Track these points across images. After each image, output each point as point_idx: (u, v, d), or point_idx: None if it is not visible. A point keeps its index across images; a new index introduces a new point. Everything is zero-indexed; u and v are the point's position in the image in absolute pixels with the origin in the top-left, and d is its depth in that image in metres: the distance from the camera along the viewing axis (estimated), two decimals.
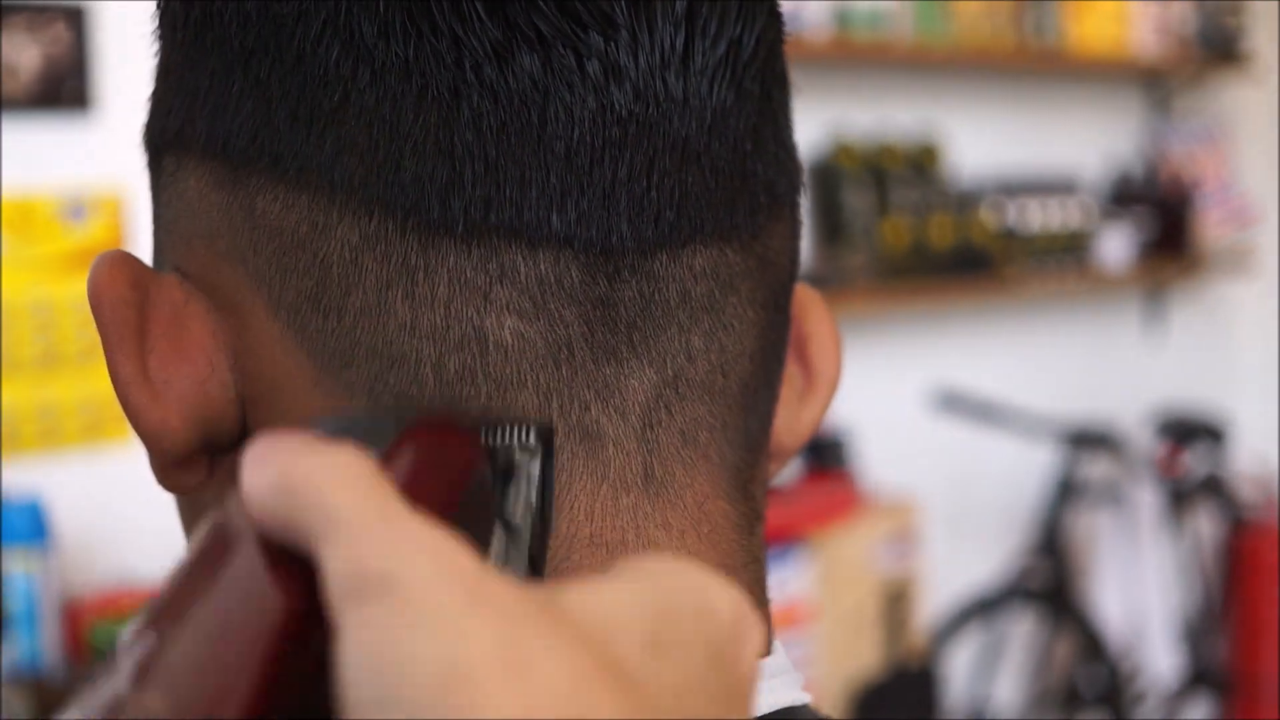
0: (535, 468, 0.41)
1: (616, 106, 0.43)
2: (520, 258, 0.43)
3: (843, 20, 3.33)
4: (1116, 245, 4.04)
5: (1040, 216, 3.86)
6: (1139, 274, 4.16)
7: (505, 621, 0.29)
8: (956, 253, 3.59)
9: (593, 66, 0.43)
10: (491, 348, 0.43)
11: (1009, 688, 3.76)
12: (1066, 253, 3.92)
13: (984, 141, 3.85)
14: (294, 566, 0.33)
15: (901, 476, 3.46)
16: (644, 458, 0.46)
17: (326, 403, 0.45)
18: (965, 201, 3.69)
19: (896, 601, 3.14)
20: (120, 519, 2.41)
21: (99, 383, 2.41)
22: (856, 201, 3.45)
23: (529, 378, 0.44)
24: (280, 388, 0.45)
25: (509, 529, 0.41)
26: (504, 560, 0.40)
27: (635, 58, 0.44)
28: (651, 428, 0.46)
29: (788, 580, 2.87)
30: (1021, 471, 3.85)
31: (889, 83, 3.65)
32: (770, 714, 0.46)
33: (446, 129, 0.43)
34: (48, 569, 2.19)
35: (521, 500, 0.41)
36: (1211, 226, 4.33)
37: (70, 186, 2.42)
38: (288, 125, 0.44)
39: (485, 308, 0.43)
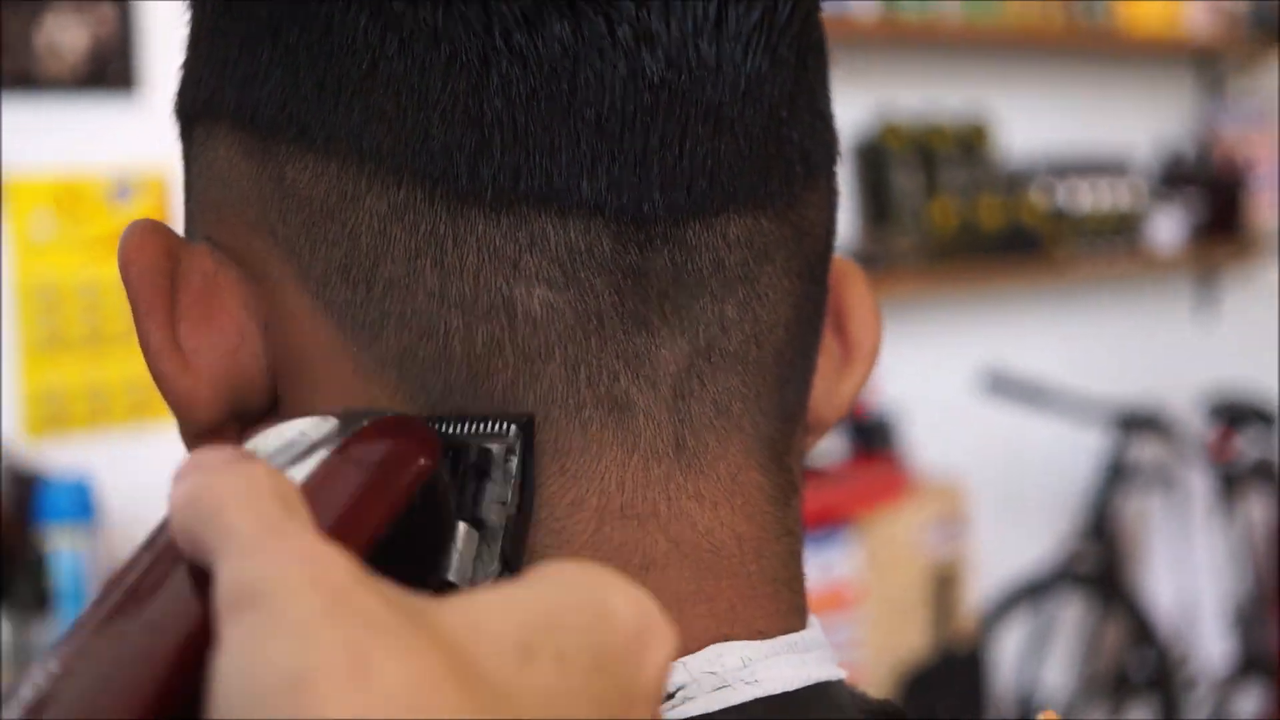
0: (513, 463, 0.41)
1: (648, 73, 0.43)
2: (550, 226, 0.43)
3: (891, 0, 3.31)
4: (1168, 227, 4.00)
5: (1090, 198, 3.83)
6: (1190, 256, 4.12)
7: (361, 629, 0.30)
8: (1006, 234, 3.57)
9: (624, 32, 0.43)
10: (520, 318, 0.43)
11: (1058, 672, 3.74)
12: (1117, 234, 3.89)
13: (1034, 122, 3.82)
14: (208, 589, 0.34)
15: (950, 459, 3.44)
16: (675, 428, 0.45)
17: (356, 375, 0.44)
18: (1015, 182, 3.66)
19: (944, 585, 3.13)
20: (167, 497, 2.42)
21: None
22: (904, 182, 3.43)
23: (557, 349, 0.43)
24: (310, 359, 0.45)
25: (482, 527, 0.41)
26: (473, 560, 0.40)
27: (667, 23, 0.43)
28: (683, 398, 0.45)
29: (834, 563, 2.86)
30: (1071, 454, 3.83)
31: (937, 63, 3.63)
32: (802, 689, 0.46)
33: (475, 96, 0.42)
34: (95, 547, 2.21)
35: (496, 498, 0.41)
36: (1264, 208, 4.29)
37: (116, 167, 2.43)
38: (315, 94, 0.44)
39: (514, 277, 0.43)
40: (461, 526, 0.40)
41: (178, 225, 0.49)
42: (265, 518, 0.33)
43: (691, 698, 0.44)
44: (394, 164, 0.43)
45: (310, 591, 0.31)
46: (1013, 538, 3.70)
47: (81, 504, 2.20)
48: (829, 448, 3.01)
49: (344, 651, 0.30)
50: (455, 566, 0.40)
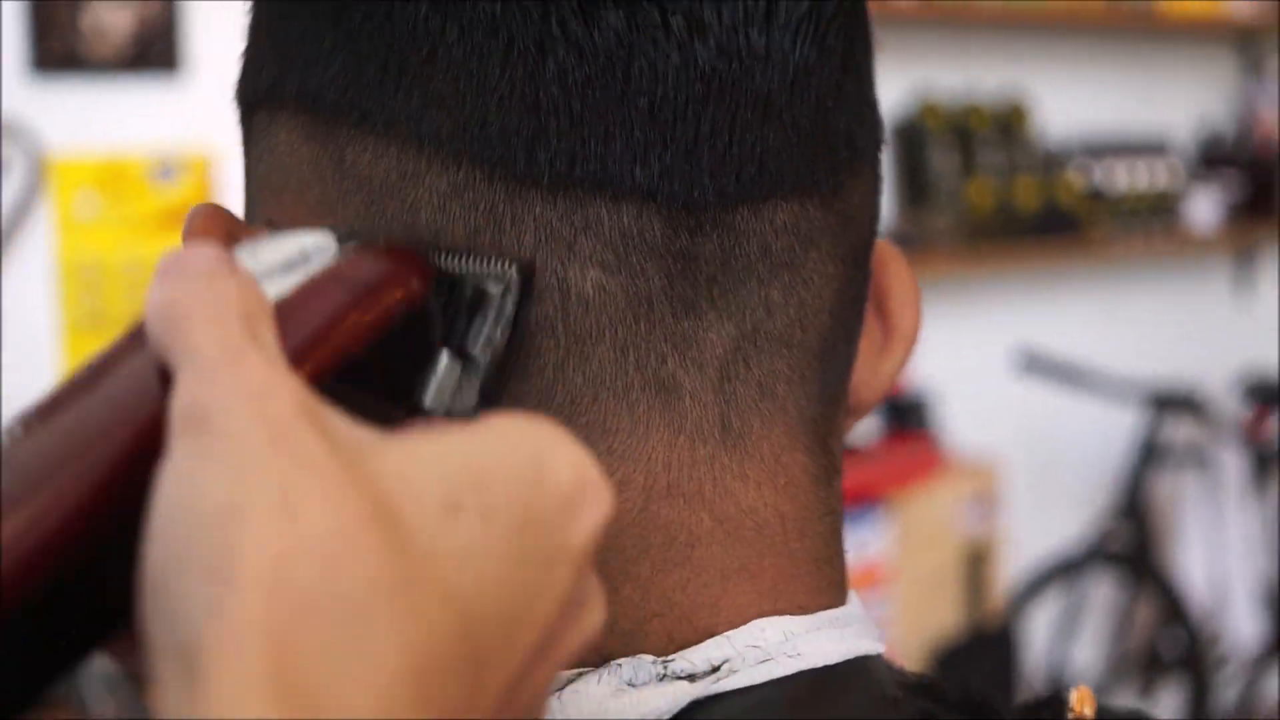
0: (509, 303, 0.42)
1: (699, 62, 0.44)
2: (604, 210, 0.44)
3: None
4: (1205, 207, 3.98)
5: (1128, 178, 3.82)
6: (1228, 236, 4.10)
7: (294, 467, 0.32)
8: (1042, 214, 3.56)
9: (677, 22, 0.44)
10: (573, 299, 0.44)
11: (1088, 651, 3.74)
12: (1154, 215, 3.87)
13: (1071, 103, 3.80)
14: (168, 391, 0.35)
15: (983, 438, 3.44)
16: (721, 409, 0.46)
17: None
18: (1052, 163, 3.64)
19: (976, 563, 3.13)
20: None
21: None
22: (942, 162, 3.42)
23: (607, 331, 0.44)
24: None
25: (465, 360, 0.42)
26: (452, 390, 0.42)
27: (719, 13, 0.44)
28: (729, 380, 0.46)
29: (867, 541, 2.87)
30: (1105, 434, 3.82)
31: (976, 43, 3.62)
32: (842, 663, 0.47)
33: (532, 83, 0.43)
34: None
35: (484, 333, 0.42)
36: None
37: (160, 147, 2.45)
38: (377, 79, 0.45)
39: (569, 258, 0.44)
40: (445, 355, 0.42)
41: (222, 202, 0.50)
42: (226, 340, 0.34)
43: (736, 670, 0.45)
44: (453, 147, 0.44)
45: (253, 425, 0.32)
46: (1045, 517, 3.70)
47: None
48: (863, 426, 3.01)
49: (275, 489, 0.31)
50: (432, 392, 0.41)
